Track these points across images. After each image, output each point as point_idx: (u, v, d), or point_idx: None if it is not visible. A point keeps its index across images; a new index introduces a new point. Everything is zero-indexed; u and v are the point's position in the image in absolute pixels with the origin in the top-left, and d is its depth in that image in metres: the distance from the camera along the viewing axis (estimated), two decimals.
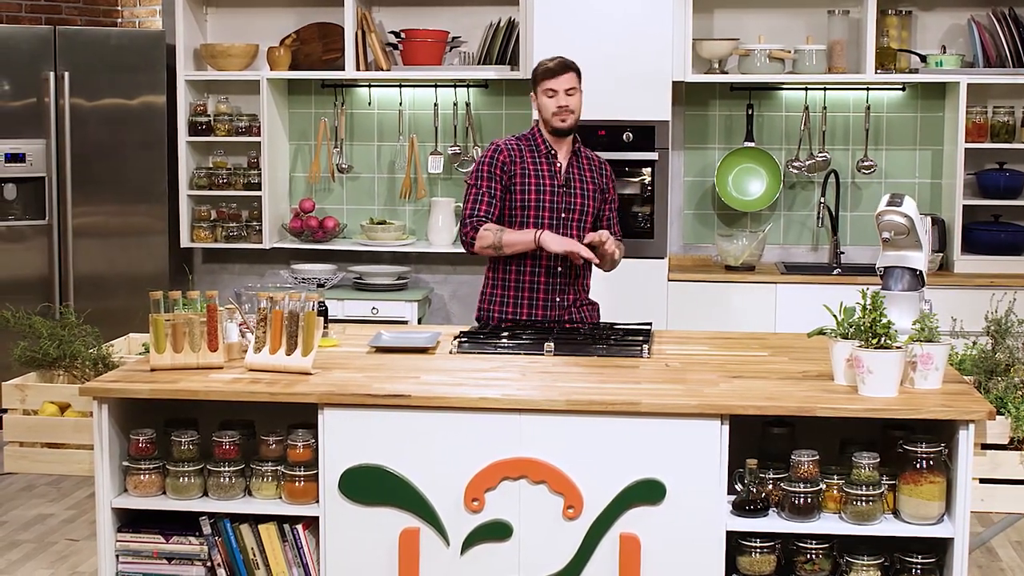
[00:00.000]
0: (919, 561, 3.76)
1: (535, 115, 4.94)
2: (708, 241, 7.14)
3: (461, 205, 7.11)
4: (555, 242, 4.71)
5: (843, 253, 6.95)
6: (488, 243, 4.78)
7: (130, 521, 4.06)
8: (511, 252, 4.81)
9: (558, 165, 4.89)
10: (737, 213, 7.10)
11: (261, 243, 7.24)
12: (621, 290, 5.73)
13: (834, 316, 3.90)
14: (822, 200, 6.91)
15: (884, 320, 3.77)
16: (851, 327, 3.85)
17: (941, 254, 6.68)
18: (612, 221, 5.04)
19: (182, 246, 7.31)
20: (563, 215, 4.87)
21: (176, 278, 7.17)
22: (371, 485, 3.83)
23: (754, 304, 6.56)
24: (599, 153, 5.14)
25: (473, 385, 3.92)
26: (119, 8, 8.08)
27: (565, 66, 4.84)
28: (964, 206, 6.66)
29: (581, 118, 4.91)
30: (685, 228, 7.17)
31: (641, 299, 6.38)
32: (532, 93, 4.90)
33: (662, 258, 6.59)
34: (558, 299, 4.90)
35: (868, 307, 3.80)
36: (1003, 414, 3.87)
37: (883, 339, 3.76)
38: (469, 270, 7.34)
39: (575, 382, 3.96)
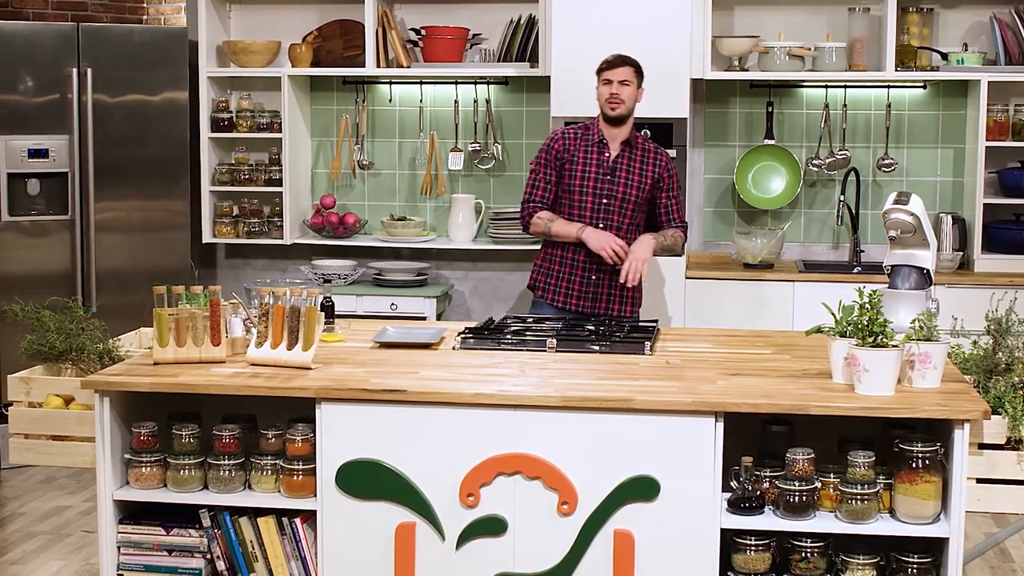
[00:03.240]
0: (915, 561, 3.75)
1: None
2: (727, 238, 7.11)
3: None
4: (593, 239, 5.15)
5: (863, 251, 6.90)
6: (540, 230, 5.31)
7: (132, 513, 4.12)
8: (559, 240, 5.28)
9: (607, 154, 5.28)
10: (757, 211, 7.07)
11: (282, 239, 7.28)
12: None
13: (832, 314, 3.89)
14: (842, 198, 6.87)
15: (881, 319, 3.76)
16: (849, 325, 3.83)
17: (961, 253, 6.63)
18: (670, 207, 5.39)
19: (204, 241, 7.36)
20: (604, 200, 5.26)
21: (198, 273, 7.21)
22: (368, 480, 3.86)
23: (772, 302, 6.53)
24: None
25: (470, 381, 3.93)
26: (144, 5, 8.14)
27: (622, 59, 5.26)
28: (985, 205, 6.59)
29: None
30: (704, 225, 7.15)
31: (659, 296, 6.37)
32: (597, 86, 5.30)
33: (680, 255, 6.57)
34: (594, 277, 5.23)
35: (865, 305, 3.79)
36: (1000, 414, 3.83)
37: (880, 338, 3.74)
38: (489, 266, 7.35)
39: (573, 378, 3.97)
